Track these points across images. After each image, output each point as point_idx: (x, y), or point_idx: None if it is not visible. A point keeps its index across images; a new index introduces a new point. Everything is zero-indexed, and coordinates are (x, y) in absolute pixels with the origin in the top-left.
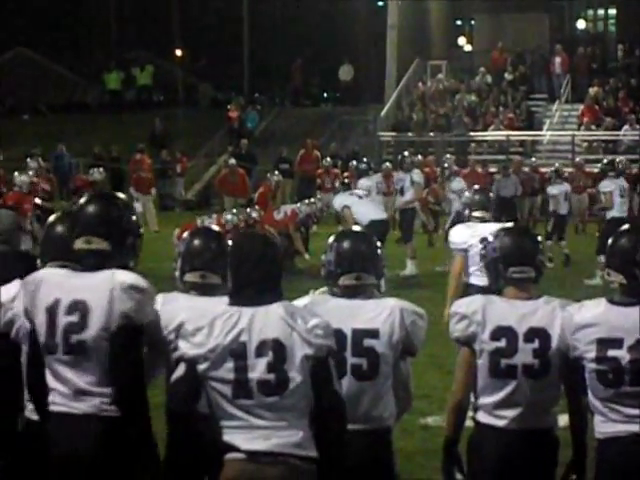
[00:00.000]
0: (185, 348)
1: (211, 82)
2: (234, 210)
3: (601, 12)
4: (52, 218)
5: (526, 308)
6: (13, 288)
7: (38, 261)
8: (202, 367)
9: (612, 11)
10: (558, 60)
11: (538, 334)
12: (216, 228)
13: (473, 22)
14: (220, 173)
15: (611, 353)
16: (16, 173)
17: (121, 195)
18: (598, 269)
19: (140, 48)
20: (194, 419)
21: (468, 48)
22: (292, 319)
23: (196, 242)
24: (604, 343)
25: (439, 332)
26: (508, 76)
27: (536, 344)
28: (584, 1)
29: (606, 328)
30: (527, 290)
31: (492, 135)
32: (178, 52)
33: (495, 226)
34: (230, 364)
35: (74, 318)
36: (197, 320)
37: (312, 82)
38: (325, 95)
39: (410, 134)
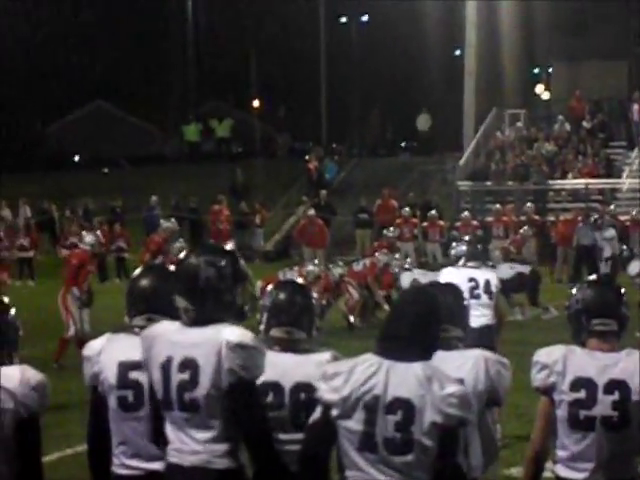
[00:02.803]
0: (323, 391)
1: (289, 132)
2: (316, 261)
3: None
4: (137, 272)
5: (607, 360)
6: (99, 342)
7: (125, 318)
8: (334, 413)
9: None
10: (636, 107)
11: (618, 386)
12: (300, 281)
13: (550, 70)
14: (299, 224)
15: None
16: (83, 233)
17: (228, 246)
18: None
19: (218, 99)
20: (324, 464)
21: (546, 96)
22: (428, 382)
23: (282, 296)
24: None
25: (521, 381)
26: (586, 124)
27: (616, 396)
28: None
29: None
30: (609, 342)
31: (571, 183)
32: (255, 103)
33: (484, 271)
34: (361, 415)
35: (186, 376)
36: (339, 364)
37: (389, 131)
38: (403, 144)
39: (488, 183)
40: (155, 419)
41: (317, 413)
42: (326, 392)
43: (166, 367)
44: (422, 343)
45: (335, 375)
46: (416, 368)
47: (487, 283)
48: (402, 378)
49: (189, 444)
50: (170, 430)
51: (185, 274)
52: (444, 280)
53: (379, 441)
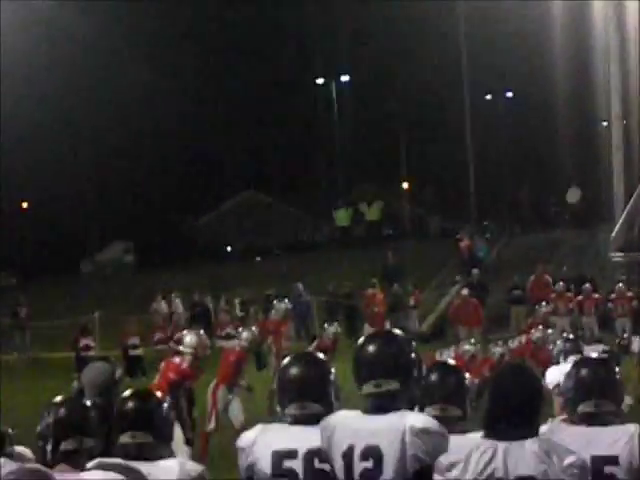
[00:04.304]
0: None
1: (438, 212)
2: (472, 340)
3: None
4: (286, 360)
5: None
6: (253, 432)
7: (278, 407)
8: None
9: None
10: None
11: None
12: (451, 362)
13: None
14: (453, 304)
15: None
16: (239, 329)
17: (397, 332)
18: None
19: (366, 182)
20: None
21: None
22: (547, 456)
23: (434, 377)
24: None
25: None
26: None
27: None
28: None
29: None
30: None
31: None
32: (404, 184)
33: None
34: None
35: (369, 464)
36: (452, 454)
37: (540, 206)
38: (554, 219)
39: None
40: None
41: None
42: None
43: (348, 455)
44: (529, 420)
45: (452, 466)
46: (531, 444)
47: None
48: (520, 457)
49: None
50: None
51: (383, 358)
52: (549, 379)
53: None
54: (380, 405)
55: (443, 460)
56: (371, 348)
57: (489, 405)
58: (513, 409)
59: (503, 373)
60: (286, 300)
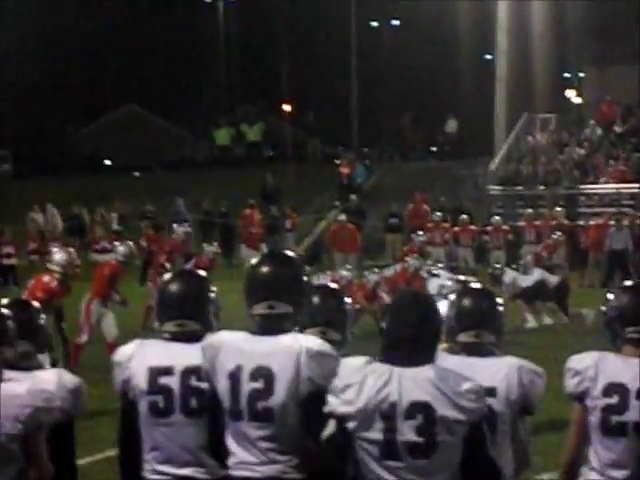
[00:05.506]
0: (335, 405)
1: (320, 137)
2: (348, 266)
3: None
4: (167, 277)
5: None
6: (130, 347)
7: (156, 323)
8: (351, 425)
9: None
10: None
11: None
12: (333, 285)
13: (582, 74)
14: (330, 229)
15: None
16: (116, 243)
17: (291, 254)
18: None
19: (249, 104)
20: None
21: (577, 100)
22: (443, 383)
23: (316, 299)
24: None
25: (555, 386)
26: (618, 128)
27: None
28: None
29: None
30: None
31: (602, 188)
32: (286, 107)
33: None
34: (379, 425)
35: (259, 385)
36: (347, 377)
37: (421, 135)
38: (434, 149)
39: (520, 188)
40: (214, 429)
41: (331, 427)
42: (339, 405)
43: (235, 375)
44: (425, 346)
45: (346, 388)
46: (427, 371)
47: None
48: (416, 383)
49: (257, 455)
50: (233, 441)
51: (275, 280)
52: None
53: (401, 448)
54: (271, 327)
55: (338, 382)
56: (267, 268)
57: (387, 331)
58: (411, 336)
59: (402, 300)
60: (186, 224)
